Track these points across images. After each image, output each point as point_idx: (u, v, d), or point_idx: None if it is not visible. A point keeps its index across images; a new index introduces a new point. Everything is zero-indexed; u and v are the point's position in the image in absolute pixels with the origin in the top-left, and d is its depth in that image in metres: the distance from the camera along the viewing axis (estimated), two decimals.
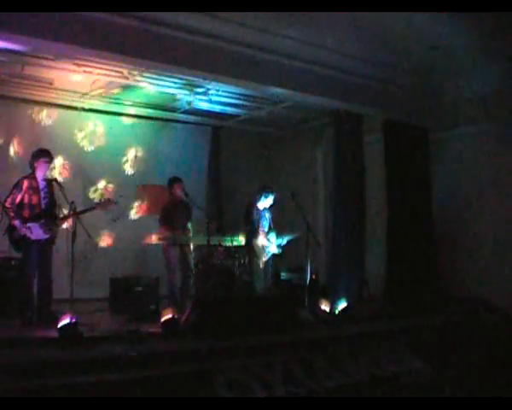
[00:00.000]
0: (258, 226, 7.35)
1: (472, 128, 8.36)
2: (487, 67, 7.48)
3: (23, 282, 6.07)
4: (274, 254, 7.49)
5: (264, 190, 7.44)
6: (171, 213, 6.98)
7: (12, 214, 5.88)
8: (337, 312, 6.69)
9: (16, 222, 5.88)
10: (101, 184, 9.04)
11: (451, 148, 8.67)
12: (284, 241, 7.46)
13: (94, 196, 8.89)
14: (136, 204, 9.38)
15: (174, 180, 7.15)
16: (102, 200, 6.50)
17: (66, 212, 6.10)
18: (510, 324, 7.02)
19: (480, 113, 8.13)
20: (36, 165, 6.10)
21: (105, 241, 8.96)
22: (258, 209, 7.41)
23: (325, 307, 6.78)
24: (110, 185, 9.09)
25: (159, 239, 6.93)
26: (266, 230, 7.40)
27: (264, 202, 7.42)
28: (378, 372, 5.43)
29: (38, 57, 6.61)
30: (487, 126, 8.13)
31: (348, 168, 8.62)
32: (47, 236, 6.06)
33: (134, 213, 9.35)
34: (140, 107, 8.98)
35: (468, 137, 8.45)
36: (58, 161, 8.48)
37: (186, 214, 7.15)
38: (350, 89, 7.80)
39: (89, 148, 9.04)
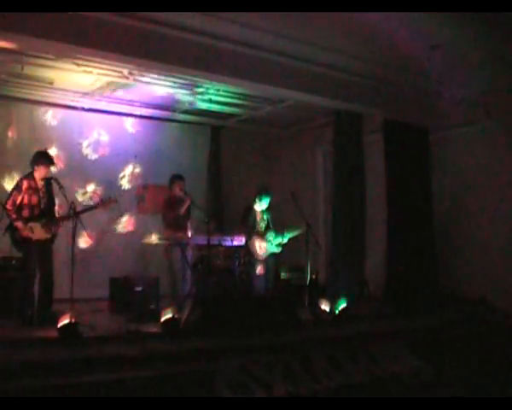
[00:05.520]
0: (256, 227, 7.38)
1: (472, 128, 8.35)
2: (487, 66, 7.48)
3: (23, 281, 6.08)
4: (274, 254, 7.50)
5: (261, 192, 7.49)
6: (173, 211, 6.98)
7: (14, 216, 5.92)
8: (337, 312, 6.69)
9: (19, 224, 5.91)
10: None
11: (451, 148, 8.67)
12: (285, 239, 7.47)
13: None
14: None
15: (175, 178, 7.17)
16: (104, 199, 6.46)
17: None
18: (510, 324, 7.02)
19: (480, 113, 8.12)
20: (36, 167, 6.12)
21: (105, 241, 8.96)
22: (255, 211, 7.46)
23: (325, 307, 6.77)
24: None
25: (159, 239, 6.93)
26: (263, 230, 7.43)
27: (261, 204, 7.47)
28: (378, 372, 5.42)
29: (38, 57, 6.61)
30: (487, 126, 8.13)
31: (348, 168, 8.61)
32: (48, 235, 6.08)
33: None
34: (140, 106, 8.98)
35: (468, 137, 8.45)
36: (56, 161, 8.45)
37: (186, 213, 7.14)
38: (350, 89, 7.79)
39: (88, 148, 9.03)
